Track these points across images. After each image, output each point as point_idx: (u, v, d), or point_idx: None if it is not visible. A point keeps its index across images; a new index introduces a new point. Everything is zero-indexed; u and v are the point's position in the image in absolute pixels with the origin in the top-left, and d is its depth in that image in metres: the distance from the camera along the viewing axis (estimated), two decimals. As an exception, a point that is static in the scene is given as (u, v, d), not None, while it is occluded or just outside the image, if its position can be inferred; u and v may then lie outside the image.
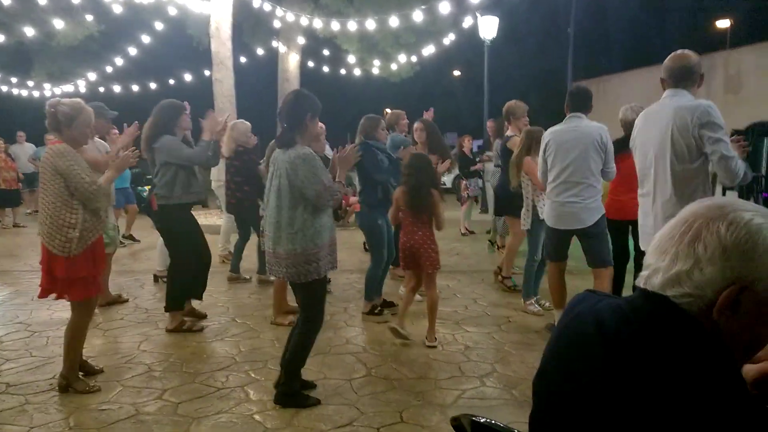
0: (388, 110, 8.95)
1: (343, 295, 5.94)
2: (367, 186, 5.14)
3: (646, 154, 3.45)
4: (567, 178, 4.35)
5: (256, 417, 3.24)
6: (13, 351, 4.29)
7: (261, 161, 6.08)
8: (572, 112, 4.45)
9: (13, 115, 18.80)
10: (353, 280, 6.51)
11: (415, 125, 6.08)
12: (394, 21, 12.71)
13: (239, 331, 4.76)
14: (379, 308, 5.12)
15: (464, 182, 9.95)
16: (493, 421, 1.29)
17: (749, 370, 1.27)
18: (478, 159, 10.16)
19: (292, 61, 16.41)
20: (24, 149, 12.75)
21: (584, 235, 4.41)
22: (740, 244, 0.97)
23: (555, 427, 1.11)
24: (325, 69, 17.69)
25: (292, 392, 3.39)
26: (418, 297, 5.01)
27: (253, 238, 6.24)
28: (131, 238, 9.21)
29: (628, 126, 4.79)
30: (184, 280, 4.81)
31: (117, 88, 17.04)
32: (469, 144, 10.27)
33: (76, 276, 3.43)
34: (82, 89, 16.74)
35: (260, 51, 16.65)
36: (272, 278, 5.88)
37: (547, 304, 5.21)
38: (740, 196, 5.89)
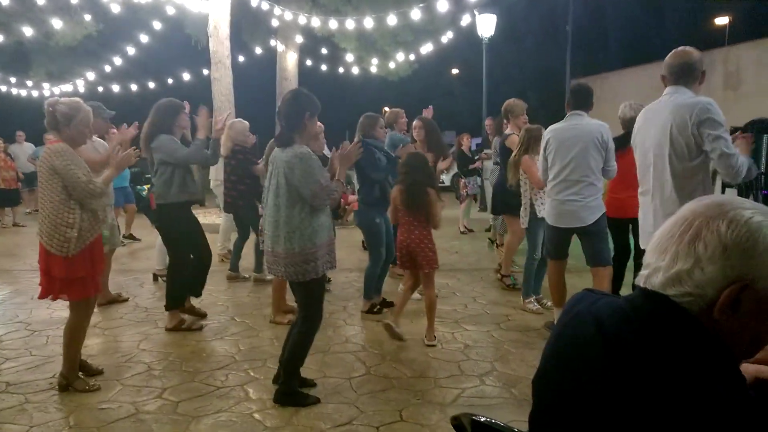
0: (387, 108, 8.96)
1: (343, 293, 5.94)
2: (365, 184, 5.14)
3: (645, 152, 3.42)
4: (567, 176, 4.33)
5: (256, 416, 3.24)
6: (12, 350, 4.29)
7: (260, 160, 6.08)
8: (573, 109, 4.42)
9: (13, 114, 18.78)
10: (352, 278, 6.51)
11: (414, 123, 6.08)
12: (392, 19, 12.68)
13: (238, 330, 4.76)
14: (378, 307, 5.12)
15: (463, 180, 9.95)
16: (493, 420, 1.29)
17: (745, 369, 1.27)
18: (476, 157, 10.15)
19: (290, 59, 16.41)
20: (23, 149, 12.78)
21: (584, 234, 4.40)
22: (741, 242, 0.97)
23: (555, 427, 1.11)
24: (324, 68, 17.67)
25: (292, 391, 3.39)
26: (417, 296, 5.01)
27: (252, 237, 6.24)
28: (131, 237, 9.24)
29: (626, 123, 4.78)
30: (184, 279, 4.82)
31: (116, 88, 17.00)
32: (468, 142, 10.26)
33: (75, 276, 3.43)
34: (81, 89, 16.70)
35: (258, 50, 16.64)
36: (268, 277, 5.93)
37: (549, 303, 5.20)
38: (740, 193, 5.87)
